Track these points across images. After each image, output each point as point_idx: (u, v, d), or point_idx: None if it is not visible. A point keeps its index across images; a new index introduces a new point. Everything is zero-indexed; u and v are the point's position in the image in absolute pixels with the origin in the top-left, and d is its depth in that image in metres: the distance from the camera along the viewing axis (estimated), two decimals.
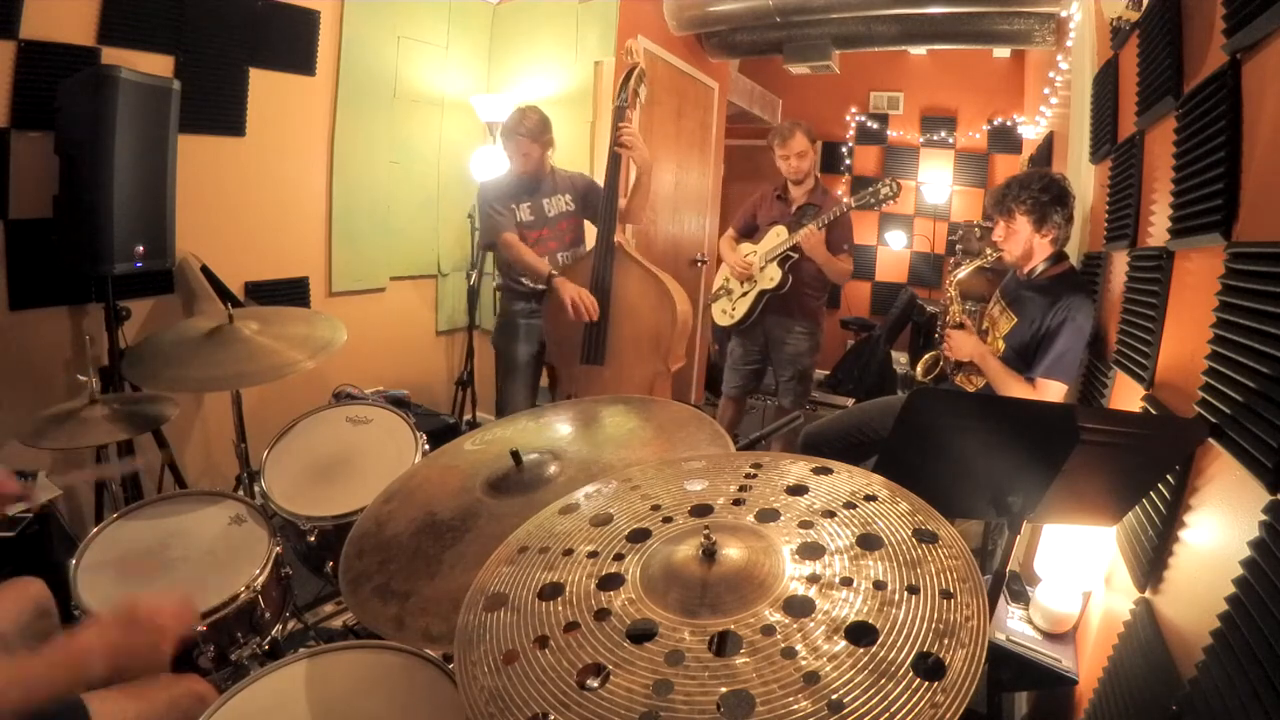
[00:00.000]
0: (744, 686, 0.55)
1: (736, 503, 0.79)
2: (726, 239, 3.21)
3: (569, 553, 0.76)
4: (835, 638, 0.57)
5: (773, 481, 0.82)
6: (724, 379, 3.30)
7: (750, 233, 3.15)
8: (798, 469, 0.84)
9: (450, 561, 1.00)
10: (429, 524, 1.10)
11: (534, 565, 0.76)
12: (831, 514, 0.73)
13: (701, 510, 0.79)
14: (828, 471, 0.81)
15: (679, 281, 3.39)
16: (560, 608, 0.68)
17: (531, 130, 2.52)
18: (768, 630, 0.59)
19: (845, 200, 2.79)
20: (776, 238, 2.95)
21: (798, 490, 0.79)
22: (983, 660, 0.53)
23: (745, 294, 3.06)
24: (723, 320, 3.19)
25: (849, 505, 0.73)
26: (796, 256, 2.88)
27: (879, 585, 0.62)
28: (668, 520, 0.78)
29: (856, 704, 0.51)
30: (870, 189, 2.75)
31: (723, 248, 3.20)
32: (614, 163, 2.42)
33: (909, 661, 0.54)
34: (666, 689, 0.56)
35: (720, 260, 3.27)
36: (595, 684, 0.58)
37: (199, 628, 1.25)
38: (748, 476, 0.84)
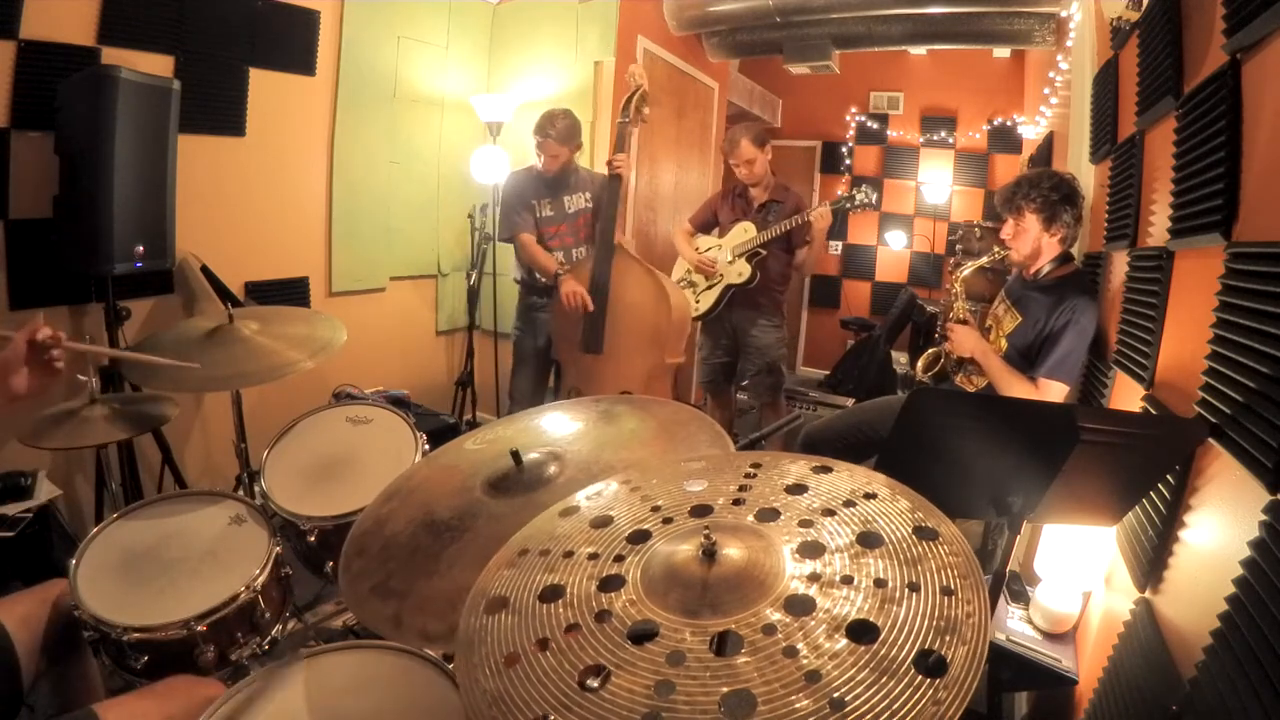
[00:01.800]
0: (745, 686, 0.54)
1: (736, 503, 0.79)
2: (682, 232, 3.25)
3: (569, 555, 0.76)
4: (836, 636, 0.57)
5: (773, 481, 0.82)
6: (697, 374, 3.38)
7: (709, 229, 3.19)
8: (798, 468, 0.83)
9: (449, 561, 1.00)
10: (428, 523, 1.10)
11: (535, 568, 0.76)
12: (831, 512, 0.72)
13: (701, 510, 0.79)
14: (828, 470, 0.81)
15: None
16: (561, 610, 0.68)
17: (561, 134, 2.69)
18: (769, 629, 0.59)
19: (825, 204, 2.81)
20: (745, 233, 2.99)
21: (797, 489, 0.78)
22: (984, 656, 0.53)
23: (710, 287, 3.10)
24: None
25: (849, 504, 0.73)
26: (765, 253, 2.94)
27: (880, 583, 0.62)
28: (668, 521, 0.78)
29: (858, 702, 0.51)
30: (846, 195, 2.79)
31: (678, 241, 3.23)
32: (615, 177, 2.64)
33: (910, 659, 0.54)
34: (668, 689, 0.56)
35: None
36: (596, 685, 0.58)
37: (199, 628, 1.25)
38: (747, 476, 0.84)
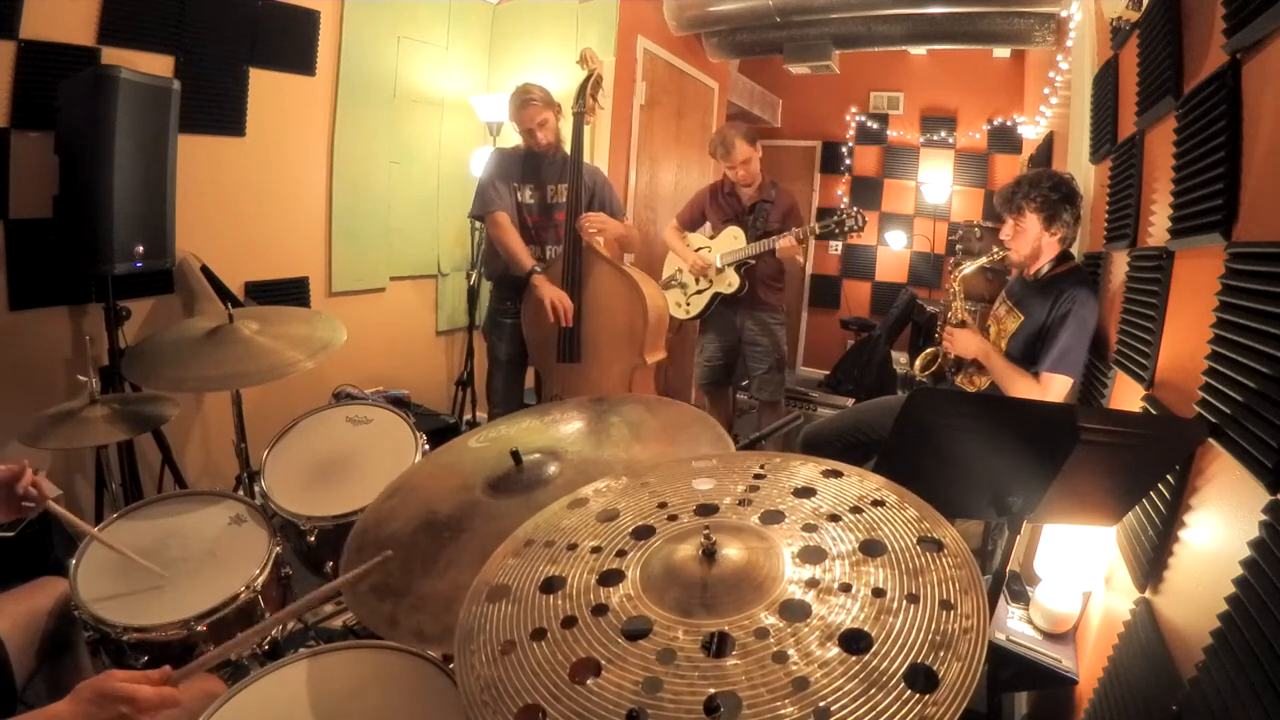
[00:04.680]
0: (732, 689, 0.54)
1: (743, 503, 0.79)
2: (672, 230, 3.20)
3: (573, 547, 0.76)
4: (829, 644, 0.57)
5: (781, 483, 0.81)
6: (696, 375, 3.36)
7: (696, 227, 3.16)
8: (807, 471, 0.83)
9: (446, 561, 1.00)
10: (428, 522, 1.10)
11: (538, 558, 0.76)
12: (837, 518, 0.72)
13: (707, 509, 0.79)
14: (837, 475, 0.80)
15: None
16: (560, 601, 0.68)
17: (544, 96, 2.50)
18: (761, 633, 0.59)
19: (811, 225, 2.76)
20: (735, 240, 2.96)
21: (805, 493, 0.78)
22: (978, 674, 0.52)
23: (700, 292, 3.08)
24: (677, 313, 3.21)
25: (855, 510, 0.73)
26: (754, 263, 2.90)
27: (878, 593, 0.61)
28: (673, 518, 0.78)
29: (844, 713, 0.51)
30: (835, 218, 2.71)
31: (670, 239, 3.18)
32: (576, 170, 2.45)
33: (901, 672, 0.53)
34: (656, 687, 0.56)
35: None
36: (590, 681, 0.58)
37: (199, 628, 1.25)
38: (756, 477, 0.84)
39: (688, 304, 3.14)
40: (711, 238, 3.08)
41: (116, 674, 0.84)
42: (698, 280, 3.07)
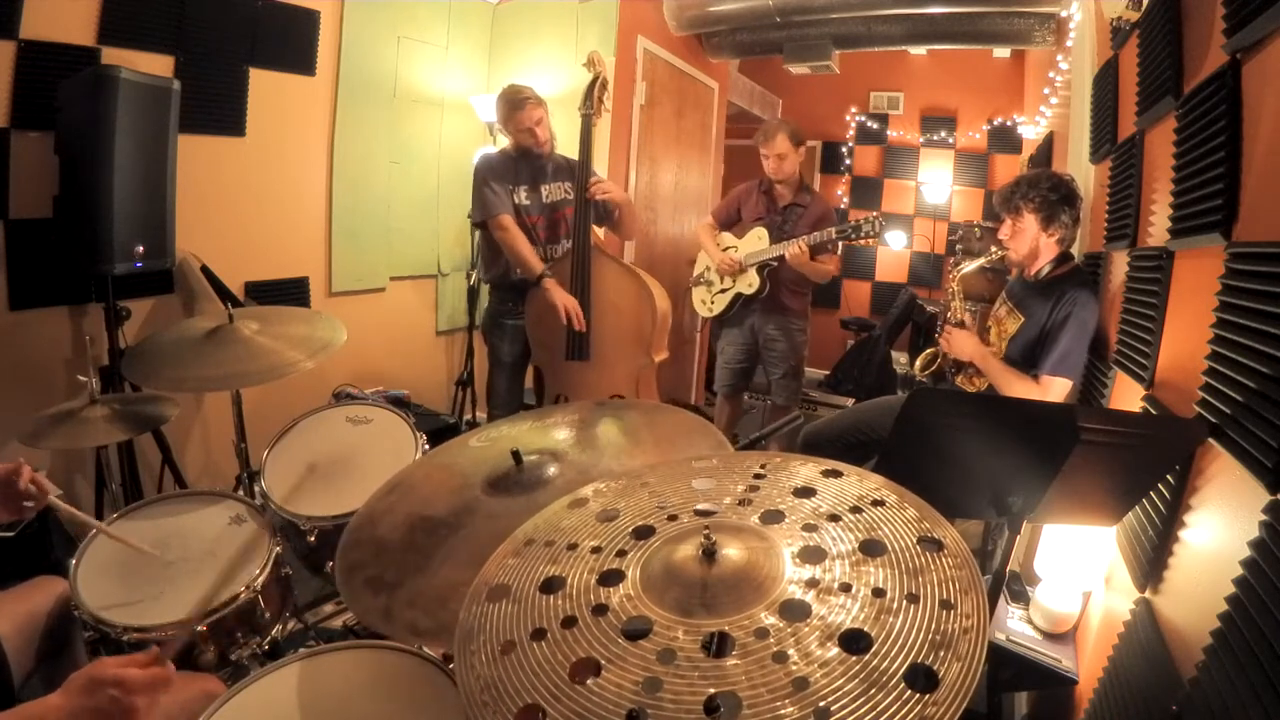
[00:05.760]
0: (732, 689, 0.54)
1: (743, 503, 0.79)
2: (706, 227, 3.20)
3: (573, 547, 0.76)
4: (829, 644, 0.57)
5: (780, 483, 0.81)
6: (716, 377, 3.35)
7: (732, 224, 3.15)
8: (807, 471, 0.83)
9: (441, 557, 1.00)
10: (425, 519, 1.10)
11: (538, 558, 0.76)
12: (837, 518, 0.72)
13: (707, 510, 0.78)
14: (837, 475, 0.80)
15: (680, 279, 3.38)
16: (560, 601, 0.68)
17: (536, 95, 2.50)
18: (761, 633, 0.59)
19: (828, 231, 2.74)
20: (758, 241, 2.95)
21: (805, 493, 0.78)
22: (978, 674, 0.52)
23: (724, 291, 3.08)
24: (701, 310, 3.22)
25: (855, 509, 0.73)
26: (776, 264, 2.89)
27: (878, 593, 0.61)
28: (673, 518, 0.78)
29: (844, 712, 0.51)
30: (853, 224, 2.70)
31: (702, 236, 3.18)
32: (584, 168, 2.45)
33: (901, 672, 0.53)
34: (655, 687, 0.56)
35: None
36: (590, 681, 0.58)
37: (200, 627, 1.25)
38: (756, 477, 0.84)
39: (712, 302, 3.14)
40: (738, 238, 3.07)
41: (107, 660, 0.83)
42: (722, 279, 3.07)
